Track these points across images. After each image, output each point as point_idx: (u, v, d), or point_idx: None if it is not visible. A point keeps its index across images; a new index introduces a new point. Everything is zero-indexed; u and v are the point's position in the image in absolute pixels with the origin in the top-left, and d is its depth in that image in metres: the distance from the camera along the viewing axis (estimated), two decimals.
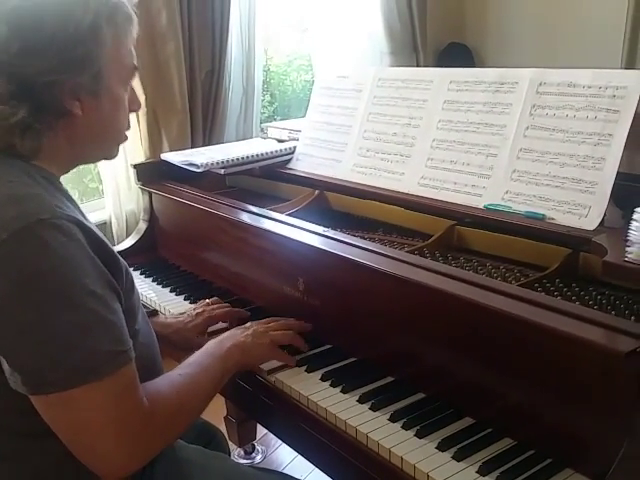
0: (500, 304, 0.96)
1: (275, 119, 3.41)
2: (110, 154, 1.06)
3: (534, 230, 1.24)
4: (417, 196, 1.46)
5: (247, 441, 2.04)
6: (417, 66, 3.24)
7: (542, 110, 1.33)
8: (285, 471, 1.92)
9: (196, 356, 1.07)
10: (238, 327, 1.19)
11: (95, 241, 0.89)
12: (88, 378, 0.83)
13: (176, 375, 1.00)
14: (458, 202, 1.39)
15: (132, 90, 1.04)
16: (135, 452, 0.88)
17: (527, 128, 1.34)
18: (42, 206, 0.85)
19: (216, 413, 1.83)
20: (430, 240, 1.35)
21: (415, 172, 1.50)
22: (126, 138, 1.06)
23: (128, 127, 1.05)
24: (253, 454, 2.07)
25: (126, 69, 1.00)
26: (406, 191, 1.49)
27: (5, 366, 0.83)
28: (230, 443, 1.97)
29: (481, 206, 1.36)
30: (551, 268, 1.17)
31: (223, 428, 1.93)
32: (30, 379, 0.82)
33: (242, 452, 2.06)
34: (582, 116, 1.27)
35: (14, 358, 0.83)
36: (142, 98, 2.43)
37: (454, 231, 1.37)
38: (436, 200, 1.43)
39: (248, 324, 1.20)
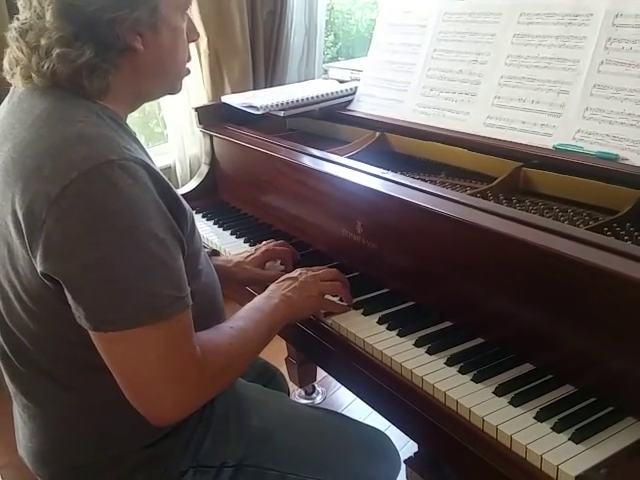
0: (566, 248, 0.92)
1: (339, 60, 3.34)
2: (173, 89, 1.06)
3: (606, 171, 1.17)
4: (482, 137, 1.40)
5: (307, 382, 2.07)
6: None
7: (618, 44, 1.24)
8: (344, 412, 1.95)
9: (246, 310, 1.07)
10: (287, 277, 1.17)
11: (161, 184, 0.90)
12: (146, 320, 0.84)
13: (228, 328, 1.01)
14: (526, 142, 1.33)
15: (189, 20, 1.03)
16: (183, 399, 0.90)
17: (602, 63, 1.25)
18: (111, 147, 0.86)
19: (277, 354, 1.87)
20: (494, 183, 1.30)
21: (481, 111, 1.44)
22: (188, 71, 1.06)
23: (189, 59, 1.05)
24: (313, 395, 2.11)
25: None
26: (471, 132, 1.43)
27: (70, 300, 0.86)
28: (291, 384, 2.02)
29: (550, 146, 1.29)
30: (622, 211, 1.11)
31: (284, 369, 1.97)
32: (92, 316, 0.85)
33: (302, 393, 2.11)
34: None
35: (78, 294, 0.85)
36: (204, 40, 2.43)
37: (520, 173, 1.31)
38: (502, 141, 1.36)
39: (296, 273, 1.17)
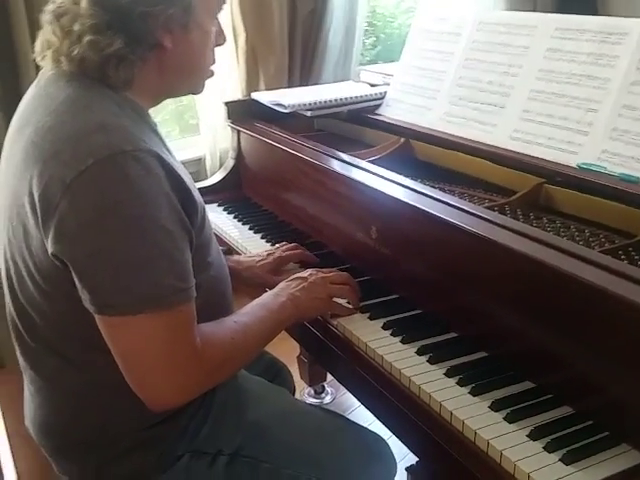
0: (576, 269, 0.91)
1: (377, 63, 3.33)
2: (196, 89, 1.08)
3: (627, 194, 1.15)
4: (507, 150, 1.39)
5: (317, 381, 2.08)
6: (534, 10, 3.03)
7: None
8: (352, 415, 1.95)
9: (252, 306, 1.08)
10: (296, 277, 1.17)
11: (174, 177, 0.91)
12: (148, 307, 0.86)
13: (232, 322, 1.02)
14: (550, 159, 1.31)
15: (219, 24, 1.05)
16: (180, 388, 0.92)
17: (633, 83, 1.23)
18: (127, 138, 0.88)
19: (289, 353, 1.88)
20: (514, 197, 1.28)
21: (508, 124, 1.42)
22: (212, 73, 1.07)
23: (213, 62, 1.06)
24: (322, 395, 2.11)
25: (215, 2, 1.01)
26: (496, 144, 1.42)
27: (77, 283, 0.88)
28: (301, 382, 2.03)
29: (574, 164, 1.27)
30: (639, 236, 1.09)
31: (295, 367, 1.99)
32: (96, 299, 0.87)
33: (312, 392, 2.11)
34: None
35: (84, 277, 0.87)
36: (242, 36, 2.45)
37: (542, 189, 1.30)
38: (527, 155, 1.35)
39: (306, 273, 1.18)
